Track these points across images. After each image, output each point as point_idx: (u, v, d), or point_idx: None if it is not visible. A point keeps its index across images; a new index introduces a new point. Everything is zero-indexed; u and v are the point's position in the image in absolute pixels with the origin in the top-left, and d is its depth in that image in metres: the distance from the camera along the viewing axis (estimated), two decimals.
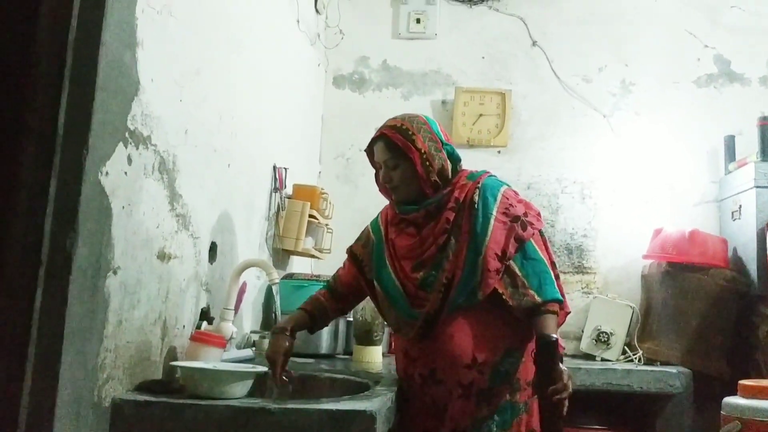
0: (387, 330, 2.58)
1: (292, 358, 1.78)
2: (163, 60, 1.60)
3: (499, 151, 3.52)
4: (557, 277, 1.83)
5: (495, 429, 1.76)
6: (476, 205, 1.80)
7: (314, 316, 1.92)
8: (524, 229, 1.80)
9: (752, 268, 2.95)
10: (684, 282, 2.99)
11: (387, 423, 1.55)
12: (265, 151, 2.56)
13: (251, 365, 1.70)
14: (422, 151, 1.82)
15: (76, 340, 1.29)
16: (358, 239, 2.01)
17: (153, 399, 1.43)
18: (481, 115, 3.53)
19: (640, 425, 2.97)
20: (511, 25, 3.60)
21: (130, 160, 1.46)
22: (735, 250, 3.10)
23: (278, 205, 2.70)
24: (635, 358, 2.98)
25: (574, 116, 3.51)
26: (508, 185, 1.90)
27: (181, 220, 1.75)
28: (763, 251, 2.87)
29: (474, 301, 1.76)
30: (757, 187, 2.95)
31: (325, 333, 2.48)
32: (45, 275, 1.27)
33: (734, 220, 3.14)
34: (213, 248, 2.01)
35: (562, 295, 1.79)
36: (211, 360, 1.69)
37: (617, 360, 3.01)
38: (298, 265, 3.07)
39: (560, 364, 1.63)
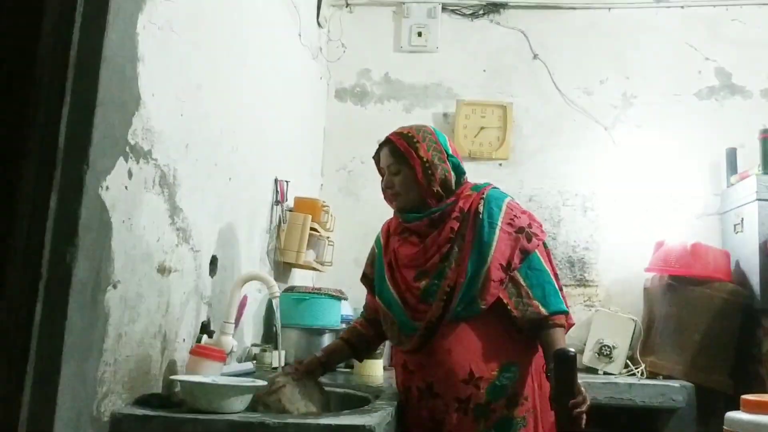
0: (388, 343, 2.57)
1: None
2: (165, 75, 1.61)
3: (500, 164, 3.53)
4: (560, 288, 1.83)
5: None
6: (481, 216, 1.81)
7: (353, 343, 2.02)
8: (529, 240, 1.81)
9: (755, 281, 2.93)
10: (686, 295, 2.98)
11: None
12: (266, 165, 2.57)
13: (251, 379, 1.69)
14: (424, 159, 1.83)
15: (75, 354, 1.29)
16: (366, 260, 2.04)
17: (152, 413, 1.42)
18: (482, 127, 3.54)
19: None
20: (512, 39, 3.62)
21: (130, 174, 1.46)
22: (737, 263, 3.09)
23: (279, 218, 2.70)
24: (638, 372, 2.96)
25: (575, 129, 3.52)
26: (511, 197, 1.91)
27: (181, 234, 1.76)
28: (765, 264, 2.86)
29: (475, 311, 1.76)
30: (759, 199, 2.94)
31: None
32: (45, 289, 1.27)
33: (736, 233, 3.13)
34: (213, 261, 2.01)
35: (567, 307, 1.80)
36: (211, 374, 1.68)
37: (620, 374, 2.99)
38: (300, 278, 3.07)
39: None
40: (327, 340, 2.54)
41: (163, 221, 1.65)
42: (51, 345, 1.26)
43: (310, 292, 2.66)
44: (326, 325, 2.60)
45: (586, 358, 3.07)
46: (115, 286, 1.42)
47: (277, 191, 2.67)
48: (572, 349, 1.65)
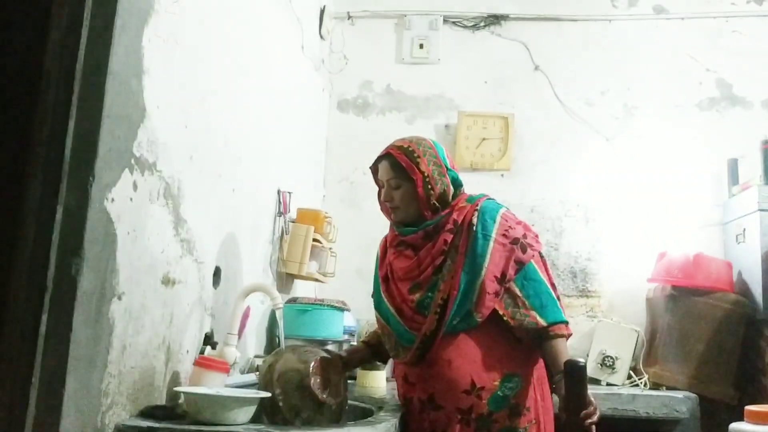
0: None
1: None
2: (170, 87, 1.62)
3: (502, 175, 3.53)
4: (558, 298, 1.83)
5: None
6: (475, 228, 1.81)
7: (372, 344, 2.02)
8: (524, 251, 1.81)
9: (757, 291, 2.93)
10: (689, 306, 2.98)
11: None
12: (269, 176, 2.58)
13: (254, 391, 1.69)
14: (425, 174, 1.84)
15: (80, 366, 1.29)
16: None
17: (156, 425, 1.42)
18: (484, 138, 3.55)
19: None
20: (514, 50, 3.64)
21: (135, 186, 1.47)
22: (740, 273, 3.09)
23: (282, 229, 2.71)
24: (641, 383, 2.95)
25: (576, 140, 3.52)
26: (506, 208, 1.91)
27: (185, 245, 1.76)
28: None
29: (472, 324, 1.76)
30: (761, 210, 2.94)
31: None
32: (50, 301, 1.27)
33: (739, 244, 3.14)
34: (217, 273, 2.01)
35: (565, 317, 1.80)
36: (214, 385, 1.68)
37: (623, 384, 2.98)
38: (302, 289, 3.07)
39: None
40: None
41: (168, 233, 1.66)
42: (56, 356, 1.26)
43: (312, 303, 2.66)
44: (329, 337, 2.60)
45: (589, 369, 3.04)
46: (120, 298, 1.42)
47: (279, 202, 2.67)
48: (582, 360, 1.65)
